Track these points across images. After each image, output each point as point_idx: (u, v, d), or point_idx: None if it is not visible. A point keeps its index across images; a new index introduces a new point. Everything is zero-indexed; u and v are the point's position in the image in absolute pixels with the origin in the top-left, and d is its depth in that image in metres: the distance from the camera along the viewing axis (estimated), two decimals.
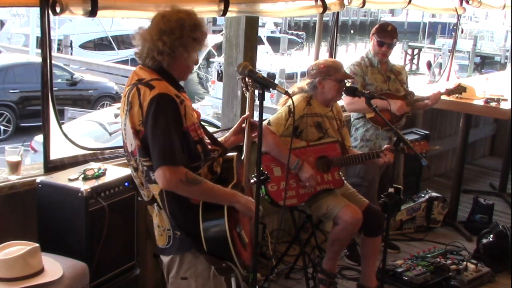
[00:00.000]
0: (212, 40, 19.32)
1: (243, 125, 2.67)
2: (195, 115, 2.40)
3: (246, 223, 2.53)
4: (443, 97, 4.56)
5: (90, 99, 14.21)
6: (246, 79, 2.60)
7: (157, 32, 2.28)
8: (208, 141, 2.47)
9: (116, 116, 9.37)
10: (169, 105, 2.24)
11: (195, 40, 2.33)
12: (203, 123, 2.51)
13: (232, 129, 2.73)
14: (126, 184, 2.88)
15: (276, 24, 34.02)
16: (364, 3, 4.77)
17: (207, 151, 2.40)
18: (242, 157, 2.58)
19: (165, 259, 2.47)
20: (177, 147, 2.22)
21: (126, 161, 2.51)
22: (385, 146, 3.67)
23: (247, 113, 2.69)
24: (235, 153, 2.56)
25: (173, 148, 2.21)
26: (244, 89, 2.71)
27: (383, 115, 3.65)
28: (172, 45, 2.28)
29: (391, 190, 3.19)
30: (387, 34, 4.28)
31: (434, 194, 5.16)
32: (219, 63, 16.77)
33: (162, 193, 2.31)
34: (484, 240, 4.43)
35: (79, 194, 2.67)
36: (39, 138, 8.84)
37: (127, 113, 2.30)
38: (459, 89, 4.58)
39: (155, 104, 2.22)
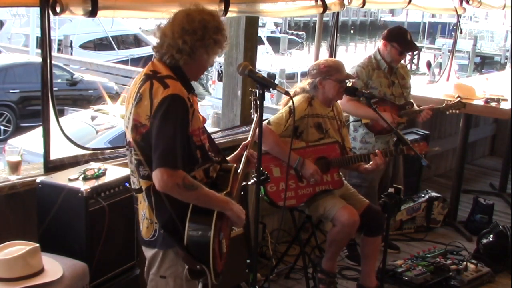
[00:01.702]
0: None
1: (244, 151, 2.67)
2: (201, 119, 2.39)
3: (227, 233, 2.52)
4: (443, 96, 4.53)
5: (90, 99, 14.21)
6: (257, 101, 2.59)
7: (179, 30, 2.26)
8: (210, 148, 2.46)
9: (93, 118, 9.32)
10: (180, 107, 2.23)
11: (216, 43, 2.32)
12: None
13: (232, 155, 2.71)
14: (126, 184, 2.88)
15: (276, 24, 34.03)
16: (364, 3, 4.77)
17: (206, 157, 2.39)
18: (238, 171, 2.57)
19: (147, 252, 2.46)
20: (180, 151, 2.21)
21: (126, 160, 2.51)
22: (376, 151, 3.64)
23: (248, 139, 2.70)
24: (234, 165, 2.56)
25: (175, 152, 2.20)
26: (252, 110, 2.72)
27: (378, 122, 3.64)
28: (193, 45, 2.27)
29: (391, 190, 3.19)
30: (409, 45, 4.20)
31: (434, 194, 5.16)
32: (219, 63, 16.76)
33: (149, 189, 2.31)
34: (484, 240, 4.43)
35: (79, 194, 2.68)
36: (13, 141, 8.78)
37: (135, 104, 2.28)
38: (459, 105, 4.37)
39: (167, 104, 2.20)
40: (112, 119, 9.08)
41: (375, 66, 4.25)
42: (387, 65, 4.25)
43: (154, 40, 2.37)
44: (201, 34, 2.27)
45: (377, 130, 4.19)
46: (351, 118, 4.39)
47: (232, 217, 2.39)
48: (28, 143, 7.32)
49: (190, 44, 2.26)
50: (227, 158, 2.68)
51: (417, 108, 4.32)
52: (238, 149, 2.72)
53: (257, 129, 2.57)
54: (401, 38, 4.18)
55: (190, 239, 2.28)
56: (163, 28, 2.32)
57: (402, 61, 4.48)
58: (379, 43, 4.32)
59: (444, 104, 4.38)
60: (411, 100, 4.36)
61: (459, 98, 4.44)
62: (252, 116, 2.77)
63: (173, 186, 2.20)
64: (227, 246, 2.51)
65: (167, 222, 2.32)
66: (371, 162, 3.56)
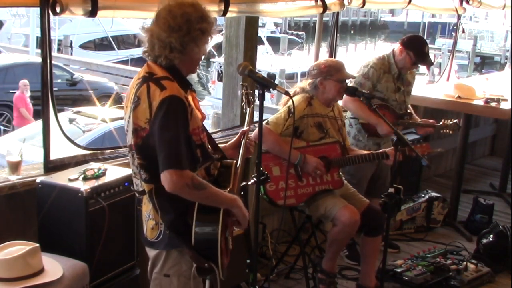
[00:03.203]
0: (212, 40, 19.34)
1: (242, 139, 2.67)
2: (199, 117, 2.39)
3: (231, 230, 2.53)
4: (443, 96, 4.52)
5: (90, 99, 14.20)
6: (248, 95, 2.60)
7: (166, 29, 2.25)
8: (209, 145, 2.47)
9: (70, 121, 9.24)
10: (179, 108, 2.23)
11: (203, 32, 2.30)
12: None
13: (231, 142, 2.72)
14: (126, 184, 2.88)
15: (276, 24, 33.99)
16: (364, 3, 4.77)
17: (206, 156, 2.39)
18: (238, 165, 2.57)
19: (151, 252, 2.46)
20: (184, 151, 2.22)
21: (126, 160, 2.52)
22: (389, 149, 3.65)
23: (245, 127, 2.70)
24: (234, 160, 2.57)
25: (180, 152, 2.20)
26: (245, 104, 2.72)
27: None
28: (182, 41, 2.26)
29: (391, 190, 3.19)
30: (425, 58, 4.16)
31: (434, 194, 5.16)
32: (219, 63, 16.77)
33: (152, 192, 2.31)
34: (484, 240, 4.44)
35: (79, 194, 2.68)
36: None
37: (133, 108, 2.28)
38: (454, 126, 4.34)
39: (166, 106, 2.19)
40: (92, 122, 8.87)
41: (387, 69, 4.19)
42: (398, 70, 4.20)
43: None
44: (186, 28, 2.25)
45: (371, 133, 4.17)
46: (348, 114, 4.33)
47: (238, 215, 2.39)
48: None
49: (179, 41, 2.25)
50: (226, 145, 2.69)
51: (416, 120, 4.35)
52: (237, 136, 2.72)
53: (252, 119, 2.59)
54: (419, 49, 4.13)
55: (197, 237, 2.29)
56: (149, 30, 2.29)
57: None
58: (396, 46, 4.23)
59: (441, 123, 4.34)
60: (410, 109, 4.36)
61: (456, 120, 4.39)
62: (244, 110, 2.78)
63: (183, 186, 2.19)
64: (232, 242, 2.52)
65: (173, 223, 2.33)
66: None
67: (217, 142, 2.60)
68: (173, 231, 2.33)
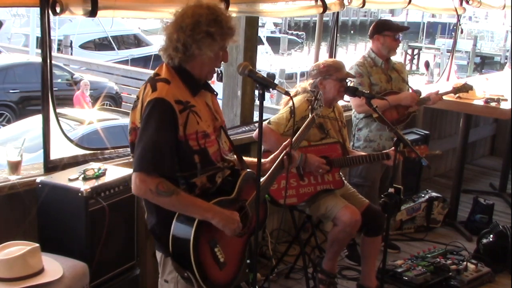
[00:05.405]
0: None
1: (283, 153, 2.60)
2: (207, 121, 2.34)
3: (233, 244, 2.41)
4: (443, 97, 4.55)
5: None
6: (313, 103, 2.52)
7: (174, 29, 2.23)
8: (224, 150, 2.42)
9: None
10: (163, 112, 2.18)
11: (209, 35, 2.23)
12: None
13: (272, 156, 2.66)
14: (126, 184, 2.88)
15: (276, 24, 34.02)
16: (364, 3, 4.77)
17: (207, 162, 2.32)
18: (262, 179, 2.51)
19: (157, 255, 2.44)
20: (160, 155, 2.16)
21: (126, 160, 2.51)
22: (391, 149, 3.66)
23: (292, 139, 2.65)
24: (247, 170, 2.49)
25: (152, 156, 2.15)
26: (308, 110, 2.68)
27: (390, 113, 3.63)
28: (185, 42, 2.22)
29: (391, 190, 3.19)
30: (399, 26, 4.35)
31: (434, 194, 5.17)
32: None
33: None
34: (484, 240, 4.44)
35: (79, 194, 2.68)
36: None
37: (133, 107, 2.29)
38: (466, 87, 4.59)
39: (149, 108, 2.18)
40: (71, 124, 8.79)
41: (371, 64, 4.28)
42: (384, 60, 4.29)
43: (154, 41, 2.36)
44: (191, 29, 2.21)
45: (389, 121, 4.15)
46: (359, 115, 4.33)
47: (218, 226, 2.26)
48: None
49: (182, 41, 2.22)
50: (267, 160, 2.64)
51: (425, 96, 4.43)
52: (277, 151, 2.66)
53: (307, 130, 2.57)
54: (388, 25, 4.31)
55: (173, 245, 2.25)
56: (165, 28, 2.29)
57: (398, 59, 4.53)
58: (370, 44, 4.37)
59: (451, 89, 4.54)
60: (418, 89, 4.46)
61: (465, 82, 4.59)
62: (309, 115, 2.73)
63: (145, 191, 2.17)
64: (233, 257, 2.41)
65: (154, 227, 2.32)
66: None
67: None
68: (154, 234, 2.32)
